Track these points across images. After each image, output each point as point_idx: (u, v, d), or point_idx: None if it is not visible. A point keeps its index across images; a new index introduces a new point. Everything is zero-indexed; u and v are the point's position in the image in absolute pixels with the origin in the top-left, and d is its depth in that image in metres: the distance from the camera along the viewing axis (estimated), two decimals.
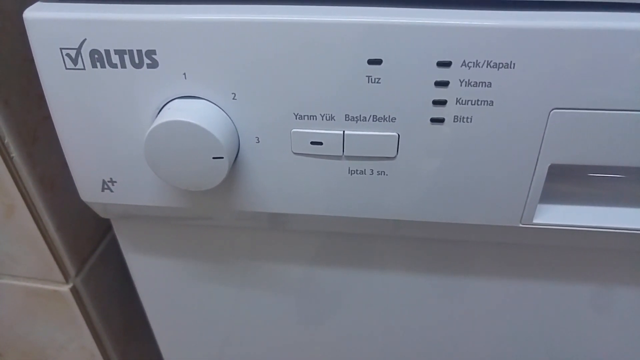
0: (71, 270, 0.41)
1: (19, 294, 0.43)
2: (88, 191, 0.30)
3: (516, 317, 0.36)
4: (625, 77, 0.23)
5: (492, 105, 0.24)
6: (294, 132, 0.26)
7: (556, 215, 0.28)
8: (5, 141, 0.34)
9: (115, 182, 0.29)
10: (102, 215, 0.32)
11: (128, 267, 0.37)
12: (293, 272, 0.35)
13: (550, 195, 0.28)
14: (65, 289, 0.41)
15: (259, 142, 0.27)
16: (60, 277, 0.41)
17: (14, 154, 0.35)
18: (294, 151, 0.27)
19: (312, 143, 0.26)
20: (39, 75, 0.26)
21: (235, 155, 0.27)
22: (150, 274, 0.37)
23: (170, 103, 0.26)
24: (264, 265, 0.35)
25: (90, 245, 0.43)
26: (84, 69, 0.25)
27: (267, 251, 0.35)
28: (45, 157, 0.37)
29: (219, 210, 0.30)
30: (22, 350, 0.47)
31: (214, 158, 0.25)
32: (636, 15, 0.23)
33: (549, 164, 0.26)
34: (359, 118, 0.25)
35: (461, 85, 0.24)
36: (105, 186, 0.29)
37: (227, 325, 0.40)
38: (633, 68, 0.23)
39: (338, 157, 0.27)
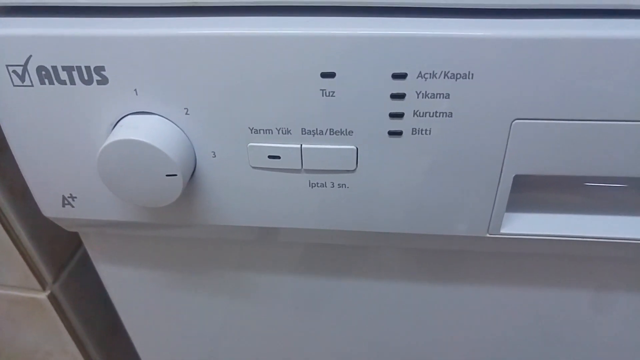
0: (48, 278, 0.41)
1: (1, 302, 0.43)
2: (49, 207, 0.29)
3: (496, 324, 0.35)
4: (586, 86, 0.22)
5: (451, 116, 0.23)
6: (251, 146, 0.25)
7: (524, 225, 0.27)
8: None
9: (75, 197, 0.28)
10: (68, 229, 0.32)
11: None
12: (263, 280, 0.35)
13: (521, 203, 0.27)
14: (43, 296, 0.41)
15: (215, 156, 0.26)
16: (37, 285, 0.40)
17: None
18: (252, 165, 0.26)
19: (269, 157, 0.26)
20: None
21: (192, 171, 0.26)
22: (123, 284, 0.37)
23: (123, 119, 0.25)
24: (236, 274, 0.35)
25: (68, 252, 0.43)
26: (32, 85, 0.25)
27: (237, 261, 0.34)
28: (14, 167, 0.37)
29: (180, 224, 0.29)
30: (8, 356, 0.48)
31: (167, 175, 0.25)
32: (598, 22, 0.22)
33: (514, 175, 0.25)
34: (315, 132, 0.25)
35: (418, 97, 0.23)
36: (66, 202, 0.29)
37: (204, 334, 0.40)
38: (594, 77, 0.22)
39: (297, 171, 0.26)
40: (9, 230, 0.38)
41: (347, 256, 0.33)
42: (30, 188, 0.29)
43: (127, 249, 0.34)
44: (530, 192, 0.28)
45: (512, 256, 0.31)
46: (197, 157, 0.26)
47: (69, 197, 0.28)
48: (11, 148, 0.27)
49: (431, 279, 0.33)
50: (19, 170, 0.37)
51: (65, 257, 0.43)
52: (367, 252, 0.33)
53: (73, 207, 0.29)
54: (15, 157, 0.28)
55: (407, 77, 0.23)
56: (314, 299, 0.36)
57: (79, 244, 0.45)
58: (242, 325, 0.39)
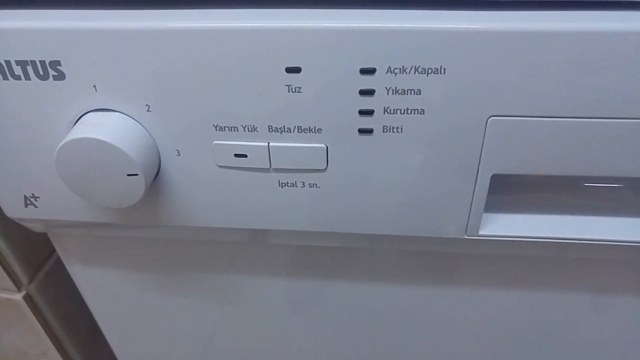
0: (23, 278, 0.40)
1: None
2: (11, 207, 0.28)
3: (482, 326, 0.34)
4: (565, 81, 0.21)
5: (423, 113, 0.22)
6: (216, 144, 0.24)
7: (504, 226, 0.26)
8: None
9: (38, 197, 0.27)
10: (34, 230, 0.31)
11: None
12: (238, 282, 0.34)
13: (500, 204, 0.26)
14: (18, 297, 0.40)
15: (179, 155, 0.25)
16: (11, 285, 0.40)
17: None
18: (218, 164, 0.25)
19: (236, 155, 0.24)
20: None
21: (156, 170, 0.25)
22: (97, 286, 0.36)
23: (83, 117, 0.24)
24: (210, 275, 0.34)
25: (45, 251, 0.42)
26: None
27: (211, 261, 0.33)
28: None
29: (146, 225, 0.28)
30: None
31: (128, 175, 0.24)
32: (579, 14, 0.21)
33: (491, 174, 0.24)
34: (283, 129, 0.23)
35: (388, 93, 0.22)
36: (28, 202, 0.28)
37: (180, 335, 0.39)
38: (574, 72, 0.21)
39: (265, 170, 0.25)
40: None
41: (330, 258, 0.32)
42: None
43: (98, 250, 0.33)
44: (510, 192, 0.27)
45: (495, 258, 0.30)
46: (161, 156, 0.25)
47: (31, 197, 0.27)
48: None
49: (416, 280, 0.32)
50: None
51: (42, 256, 0.42)
52: (351, 254, 0.31)
53: (36, 207, 0.28)
54: None
55: (376, 72, 0.22)
56: (294, 301, 0.35)
57: None
58: (217, 327, 0.38)
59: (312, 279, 0.33)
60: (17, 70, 0.23)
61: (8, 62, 0.23)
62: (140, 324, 0.39)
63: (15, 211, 0.28)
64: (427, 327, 0.35)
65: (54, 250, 0.43)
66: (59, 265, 0.43)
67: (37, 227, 0.31)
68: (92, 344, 0.49)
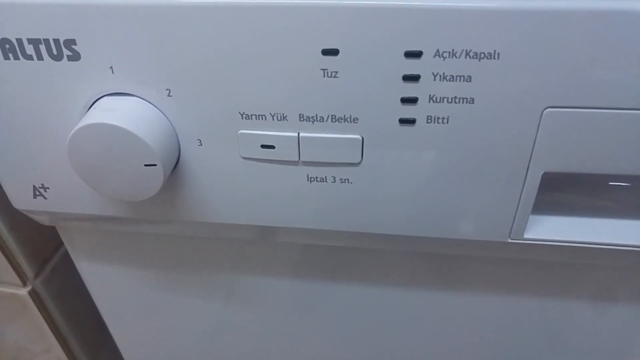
0: (29, 272, 0.38)
1: None
2: (19, 198, 0.26)
3: (504, 335, 0.32)
4: (633, 69, 0.19)
5: (473, 103, 0.20)
6: (241, 133, 0.22)
7: (552, 229, 0.24)
8: None
9: (48, 188, 0.26)
10: (43, 223, 0.29)
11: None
12: (253, 281, 0.32)
13: (547, 204, 0.24)
14: (23, 292, 0.38)
15: (201, 144, 0.23)
16: (16, 279, 0.38)
17: None
18: (243, 155, 0.23)
19: (262, 146, 0.22)
20: None
21: (175, 161, 0.23)
22: (105, 282, 0.34)
23: (98, 101, 0.22)
24: (224, 274, 0.32)
25: (52, 245, 0.40)
26: None
27: (226, 260, 0.31)
28: None
29: (162, 220, 0.26)
30: None
31: (146, 165, 0.22)
32: None
33: (542, 172, 0.22)
34: (315, 118, 0.21)
35: (435, 80, 0.20)
36: (37, 192, 0.26)
37: (188, 334, 0.37)
38: None
39: (294, 163, 0.23)
40: None
41: (347, 258, 0.30)
42: None
43: (108, 245, 0.32)
44: (558, 191, 0.25)
45: (530, 262, 0.28)
46: (181, 146, 0.23)
47: (40, 187, 0.26)
48: None
49: (437, 284, 0.30)
50: None
51: (48, 250, 0.40)
52: (369, 254, 0.29)
53: (45, 198, 0.26)
54: None
55: (423, 56, 0.19)
56: (308, 302, 0.33)
57: None
58: (227, 327, 0.36)
59: (323, 279, 0.31)
60: (29, 49, 0.21)
61: (19, 40, 0.21)
62: (147, 322, 0.37)
63: (23, 202, 0.26)
64: (436, 331, 0.33)
65: (61, 243, 0.41)
66: (66, 259, 0.41)
67: (45, 220, 0.29)
68: (96, 341, 0.47)
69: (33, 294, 0.39)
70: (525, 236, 0.24)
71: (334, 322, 0.34)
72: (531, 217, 0.23)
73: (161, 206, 0.25)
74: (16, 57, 0.22)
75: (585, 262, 0.26)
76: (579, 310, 0.30)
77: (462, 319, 0.32)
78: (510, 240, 0.24)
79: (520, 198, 0.23)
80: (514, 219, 0.23)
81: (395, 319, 0.33)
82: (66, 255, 0.41)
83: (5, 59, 0.22)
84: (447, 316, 0.32)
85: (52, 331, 0.41)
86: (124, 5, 0.20)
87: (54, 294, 0.41)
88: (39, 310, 0.39)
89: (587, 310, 0.30)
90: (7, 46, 0.21)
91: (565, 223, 0.24)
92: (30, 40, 0.21)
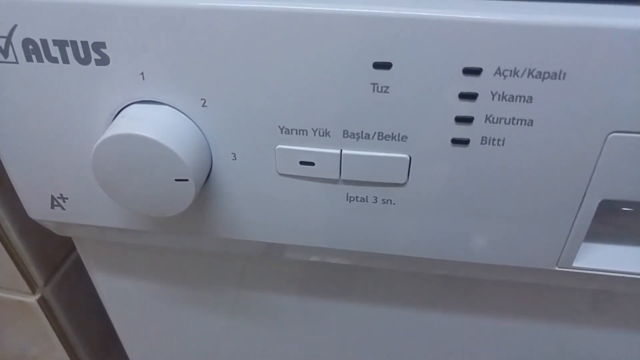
0: (39, 280, 0.37)
1: None
2: (35, 207, 0.25)
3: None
4: None
5: (531, 125, 0.19)
6: (279, 148, 0.21)
7: (603, 258, 0.23)
8: None
9: (67, 198, 0.24)
10: (59, 233, 0.28)
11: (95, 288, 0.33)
12: (267, 299, 0.31)
13: (598, 232, 0.23)
14: (32, 299, 0.37)
15: (235, 159, 0.21)
16: (25, 287, 0.36)
17: None
18: (280, 172, 0.21)
19: (301, 163, 0.21)
20: None
21: (206, 175, 0.22)
22: (120, 295, 0.33)
23: (126, 109, 0.21)
24: (244, 292, 0.31)
25: (63, 252, 0.39)
26: (17, 62, 0.20)
27: (250, 278, 0.30)
28: None
29: (190, 237, 0.25)
30: None
31: (176, 180, 0.20)
32: None
33: (600, 200, 0.20)
34: (360, 135, 0.20)
35: (493, 99, 0.19)
36: (55, 203, 0.24)
37: (201, 350, 0.36)
38: None
39: (334, 181, 0.21)
40: None
41: (368, 278, 0.28)
42: (14, 184, 0.24)
43: (125, 258, 0.30)
44: (608, 219, 0.23)
45: (570, 289, 0.26)
46: (213, 159, 0.22)
47: (59, 197, 0.24)
48: None
49: (455, 307, 0.29)
50: None
51: (59, 257, 0.39)
52: (390, 275, 0.28)
53: (64, 209, 0.25)
54: None
55: (482, 74, 0.18)
56: (320, 320, 0.31)
57: (74, 245, 0.40)
58: (240, 341, 0.34)
59: (340, 297, 0.30)
60: (54, 51, 0.20)
61: (44, 42, 0.20)
62: (159, 334, 0.36)
63: (40, 213, 0.25)
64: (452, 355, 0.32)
65: (71, 251, 0.40)
66: (76, 267, 0.40)
67: (61, 231, 0.28)
68: (104, 351, 0.46)
69: (42, 301, 0.37)
70: (575, 265, 0.22)
71: (347, 342, 0.33)
72: (584, 244, 0.22)
73: (187, 221, 0.24)
74: (40, 60, 0.20)
75: (635, 292, 0.25)
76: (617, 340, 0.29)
77: (480, 343, 0.31)
78: (557, 269, 0.23)
79: (572, 225, 0.21)
80: (564, 247, 0.22)
81: (408, 342, 0.32)
82: (76, 262, 0.40)
83: (27, 60, 0.20)
84: (465, 339, 0.31)
85: (60, 340, 0.39)
86: (159, 7, 0.19)
87: (63, 302, 0.39)
88: (47, 319, 0.38)
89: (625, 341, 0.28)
90: (31, 47, 0.20)
91: (617, 252, 0.23)
92: (56, 42, 0.20)
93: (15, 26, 0.20)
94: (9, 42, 0.20)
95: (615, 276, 0.23)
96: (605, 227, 0.23)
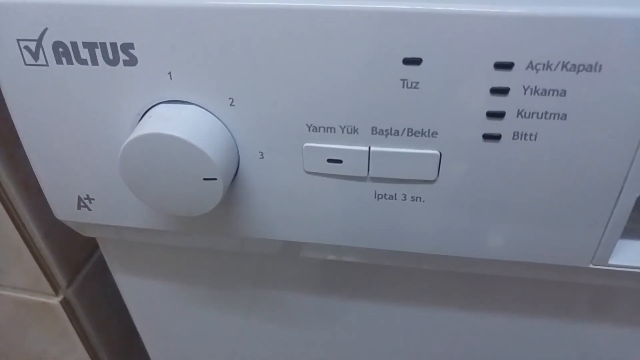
0: (62, 281, 0.37)
1: (7, 305, 0.39)
2: (62, 208, 0.25)
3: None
4: None
5: (565, 119, 0.18)
6: (307, 146, 0.21)
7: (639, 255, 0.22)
8: None
9: (93, 199, 0.24)
10: (84, 234, 0.28)
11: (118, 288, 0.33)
12: (288, 298, 0.30)
13: (635, 229, 0.22)
14: (55, 301, 0.37)
15: (263, 157, 0.21)
16: (48, 288, 0.37)
17: None
18: (307, 170, 0.21)
19: (329, 161, 0.21)
20: None
21: (233, 174, 0.22)
22: (143, 296, 0.33)
23: (153, 109, 0.21)
24: (266, 292, 0.31)
25: (85, 254, 0.39)
26: (47, 65, 0.21)
27: (272, 278, 0.30)
28: None
29: (215, 236, 0.25)
30: None
31: (205, 179, 0.20)
32: None
33: (638, 195, 0.20)
34: (389, 132, 0.20)
35: (525, 93, 0.18)
36: (82, 203, 0.25)
37: (222, 349, 0.36)
38: None
39: (362, 179, 0.21)
40: (21, 229, 0.34)
41: (388, 276, 0.28)
42: (41, 185, 0.25)
43: (150, 259, 0.30)
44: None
45: (602, 287, 0.26)
46: (240, 158, 0.22)
47: (85, 198, 0.24)
48: (21, 138, 0.23)
49: (474, 304, 0.28)
50: None
51: (81, 259, 0.39)
52: (411, 272, 0.28)
53: (90, 210, 0.25)
54: (25, 149, 0.24)
55: (514, 68, 0.18)
56: (338, 320, 0.31)
57: (96, 246, 0.41)
58: (259, 341, 0.34)
59: (354, 297, 0.30)
60: (84, 53, 0.20)
61: (74, 44, 0.20)
62: (183, 337, 0.36)
63: (66, 213, 0.25)
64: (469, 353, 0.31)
65: (93, 251, 0.40)
66: (98, 268, 0.40)
67: (86, 232, 0.28)
68: (126, 353, 0.46)
69: (65, 303, 0.37)
70: (610, 262, 0.22)
71: (365, 340, 0.32)
72: (621, 241, 0.21)
73: (214, 221, 0.24)
74: (70, 62, 0.20)
75: None
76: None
77: (506, 343, 0.30)
78: (591, 266, 0.22)
79: (608, 222, 0.21)
80: (599, 244, 0.21)
81: (431, 341, 0.31)
82: (98, 263, 0.40)
83: (58, 63, 0.20)
84: (489, 339, 0.30)
85: (82, 341, 0.40)
86: (186, 7, 0.19)
87: (85, 303, 0.39)
88: (70, 321, 0.38)
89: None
90: (61, 50, 0.20)
91: None
92: (85, 44, 0.20)
93: (45, 29, 0.20)
94: (39, 45, 0.20)
95: None
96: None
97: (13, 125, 0.31)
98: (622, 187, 0.20)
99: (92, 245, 0.40)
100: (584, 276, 0.23)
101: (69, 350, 0.41)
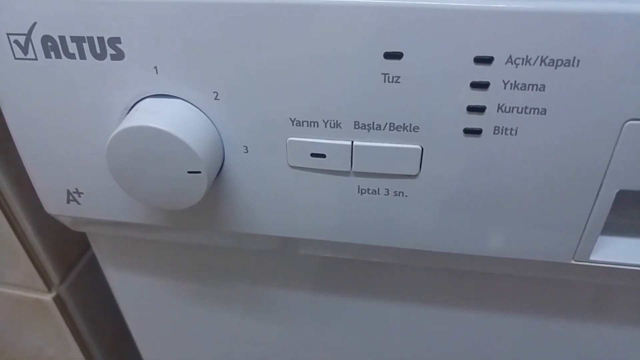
0: (55, 278, 0.37)
1: (3, 302, 0.39)
2: (51, 202, 0.25)
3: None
4: None
5: (545, 114, 0.19)
6: (291, 141, 0.21)
7: (621, 251, 0.22)
8: None
9: (82, 193, 0.25)
10: (73, 228, 0.28)
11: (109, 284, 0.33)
12: (279, 294, 0.31)
13: (616, 224, 0.22)
14: (48, 297, 0.37)
15: (247, 152, 0.22)
16: (42, 285, 0.37)
17: None
18: (291, 164, 0.22)
19: (312, 155, 0.21)
20: None
21: (218, 168, 0.22)
22: (133, 291, 0.33)
23: (139, 103, 0.21)
24: (259, 288, 0.31)
25: (78, 250, 0.40)
26: (36, 59, 0.21)
27: (264, 274, 0.30)
28: None
29: (201, 230, 0.25)
30: (11, 357, 0.44)
31: (189, 172, 0.20)
32: None
33: (617, 190, 0.20)
34: (371, 126, 0.20)
35: (505, 88, 0.18)
36: (71, 197, 0.25)
37: (213, 346, 0.36)
38: None
39: (345, 173, 0.21)
40: (14, 225, 0.34)
41: (380, 274, 0.28)
42: (31, 179, 0.25)
43: (139, 254, 0.30)
44: (625, 210, 0.23)
45: (584, 284, 0.26)
46: (225, 152, 0.22)
47: (74, 192, 0.25)
48: (11, 132, 0.23)
49: (465, 302, 0.28)
50: None
51: (74, 256, 0.39)
52: (400, 269, 0.28)
53: (79, 204, 0.25)
54: (16, 143, 0.24)
55: (494, 62, 0.18)
56: (332, 317, 0.31)
57: (89, 243, 0.41)
58: (252, 338, 0.34)
59: (349, 294, 0.30)
60: (72, 47, 0.20)
61: (62, 38, 0.20)
62: (172, 332, 0.36)
63: (56, 207, 0.25)
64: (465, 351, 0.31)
65: (86, 248, 0.40)
66: (91, 265, 0.41)
67: (76, 226, 0.28)
68: (118, 350, 0.46)
69: (57, 300, 0.38)
70: (592, 258, 0.22)
71: (360, 338, 0.32)
72: (601, 237, 0.22)
73: (200, 215, 0.24)
74: (58, 56, 0.21)
75: None
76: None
77: (492, 339, 0.30)
78: (573, 262, 0.22)
79: (589, 217, 0.21)
80: (580, 240, 0.22)
81: (421, 337, 0.31)
82: (91, 260, 0.41)
83: (47, 57, 0.21)
84: (477, 335, 0.30)
85: (75, 338, 0.40)
86: (172, 2, 0.19)
87: (78, 300, 0.40)
88: (63, 317, 0.38)
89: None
90: (50, 44, 0.20)
91: (636, 245, 0.22)
92: (73, 39, 0.20)
93: (35, 24, 0.20)
94: (28, 39, 0.20)
95: (634, 270, 0.22)
96: (623, 219, 0.23)
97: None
98: (602, 182, 0.20)
99: (85, 242, 0.40)
100: (567, 273, 0.23)
101: (63, 346, 0.41)
